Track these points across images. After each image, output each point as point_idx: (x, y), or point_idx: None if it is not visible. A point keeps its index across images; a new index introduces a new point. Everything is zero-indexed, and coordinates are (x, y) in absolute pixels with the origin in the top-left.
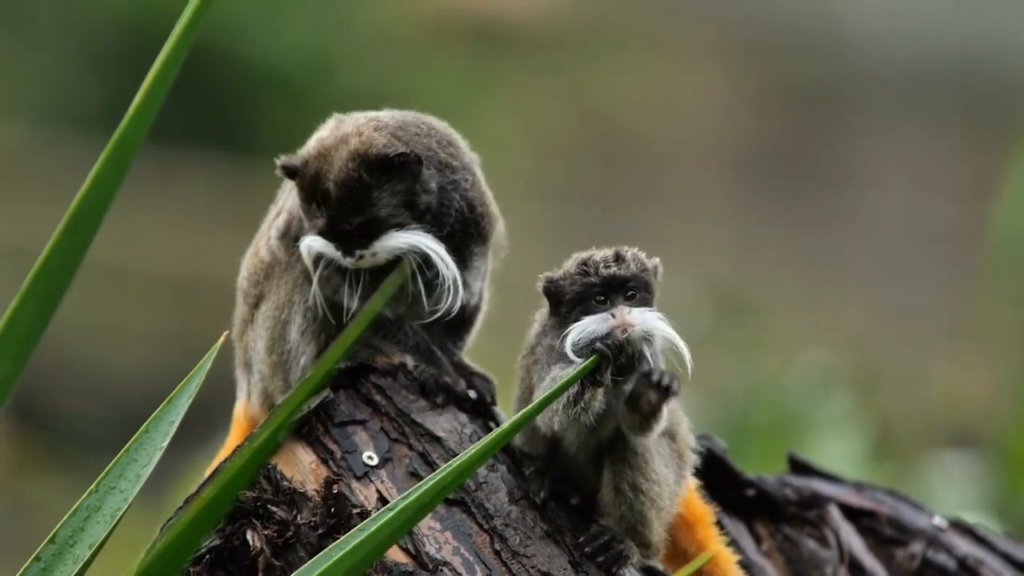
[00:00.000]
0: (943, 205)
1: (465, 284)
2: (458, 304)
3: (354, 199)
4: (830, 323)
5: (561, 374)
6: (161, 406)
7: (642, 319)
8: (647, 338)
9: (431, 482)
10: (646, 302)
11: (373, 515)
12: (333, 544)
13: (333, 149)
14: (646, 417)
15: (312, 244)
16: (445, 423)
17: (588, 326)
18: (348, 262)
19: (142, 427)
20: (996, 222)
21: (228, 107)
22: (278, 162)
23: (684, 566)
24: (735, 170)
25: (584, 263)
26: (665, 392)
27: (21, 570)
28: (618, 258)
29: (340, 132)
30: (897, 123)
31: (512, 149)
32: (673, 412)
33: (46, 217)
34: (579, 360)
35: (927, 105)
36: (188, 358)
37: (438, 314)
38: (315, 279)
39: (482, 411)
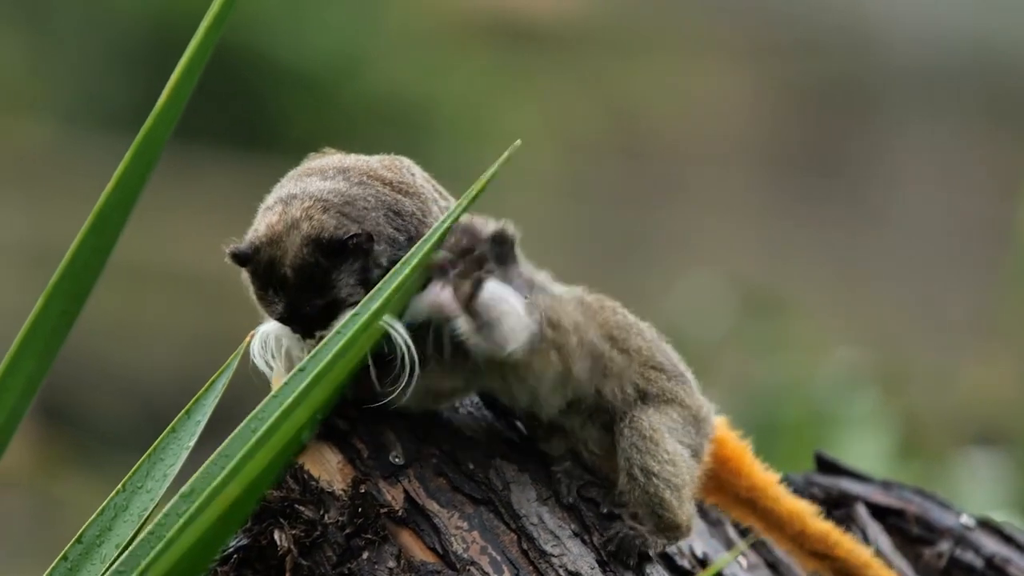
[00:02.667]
0: (970, 202)
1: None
2: (412, 384)
3: (313, 284)
4: (857, 321)
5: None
6: (188, 406)
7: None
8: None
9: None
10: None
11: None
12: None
13: (284, 235)
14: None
15: (269, 331)
16: (472, 423)
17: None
18: (308, 342)
19: (169, 427)
20: (1022, 219)
21: (254, 106)
22: (226, 249)
23: (733, 503)
24: (761, 168)
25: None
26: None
27: (48, 569)
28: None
29: (288, 217)
30: (924, 120)
31: (538, 148)
32: (672, 372)
33: (73, 216)
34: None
35: (954, 102)
36: (215, 357)
37: (394, 394)
38: (270, 363)
39: (507, 410)
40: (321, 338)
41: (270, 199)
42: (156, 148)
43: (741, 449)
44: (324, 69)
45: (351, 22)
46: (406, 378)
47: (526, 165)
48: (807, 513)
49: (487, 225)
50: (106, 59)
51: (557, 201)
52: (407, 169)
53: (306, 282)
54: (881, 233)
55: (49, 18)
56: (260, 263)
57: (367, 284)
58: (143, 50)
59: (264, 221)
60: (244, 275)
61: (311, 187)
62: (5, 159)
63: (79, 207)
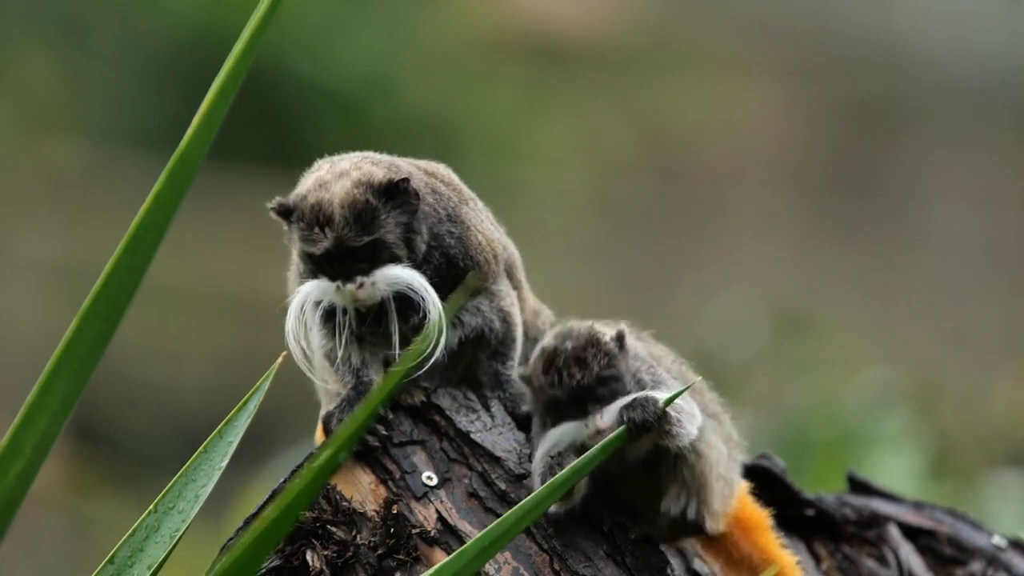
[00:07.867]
0: (1003, 222)
1: (461, 323)
2: (439, 349)
3: (362, 220)
4: (890, 340)
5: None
6: (219, 427)
7: (614, 417)
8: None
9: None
10: (616, 393)
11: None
12: None
13: (333, 181)
14: (660, 433)
15: (307, 292)
16: (504, 443)
17: (564, 437)
18: (348, 289)
19: (200, 447)
20: None
21: (287, 126)
22: (270, 205)
23: (745, 573)
24: (795, 187)
25: (548, 371)
26: (646, 423)
27: None
28: (579, 363)
29: (336, 169)
30: (958, 140)
31: (570, 167)
32: (705, 404)
33: (108, 235)
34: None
35: (988, 122)
36: (248, 377)
37: (423, 356)
38: (295, 335)
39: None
40: (361, 286)
41: (313, 167)
42: (191, 169)
43: (761, 517)
44: (358, 89)
45: (384, 42)
46: (436, 339)
47: (559, 184)
48: None
49: (606, 330)
50: (141, 80)
51: (590, 220)
52: (443, 167)
53: (354, 218)
54: (913, 252)
55: (84, 39)
56: (306, 205)
57: (410, 245)
58: (178, 71)
59: (311, 176)
60: (288, 230)
61: (353, 155)
62: (41, 179)
63: (114, 227)
